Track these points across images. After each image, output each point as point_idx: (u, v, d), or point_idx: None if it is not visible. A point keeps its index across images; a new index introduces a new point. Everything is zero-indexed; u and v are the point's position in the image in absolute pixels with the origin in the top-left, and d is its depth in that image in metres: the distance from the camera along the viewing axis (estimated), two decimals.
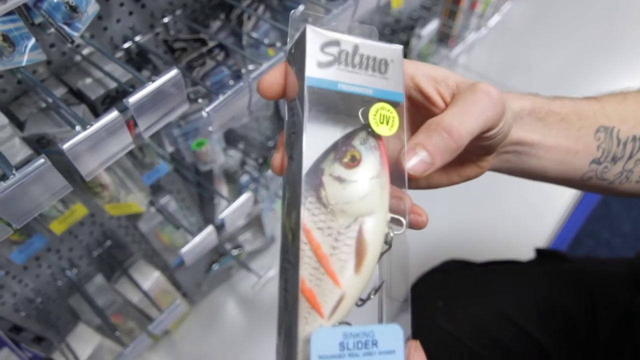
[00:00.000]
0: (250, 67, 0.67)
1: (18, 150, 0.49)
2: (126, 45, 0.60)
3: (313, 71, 0.30)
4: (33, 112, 0.53)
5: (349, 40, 0.31)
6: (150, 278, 0.80)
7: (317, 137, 0.29)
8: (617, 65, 1.53)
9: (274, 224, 1.12)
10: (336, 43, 0.31)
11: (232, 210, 0.67)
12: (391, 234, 0.30)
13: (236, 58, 0.68)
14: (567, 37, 1.62)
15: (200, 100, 0.60)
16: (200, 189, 0.80)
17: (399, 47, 0.33)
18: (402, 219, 0.31)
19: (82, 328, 0.77)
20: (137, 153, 0.66)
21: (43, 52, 0.46)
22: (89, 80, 0.56)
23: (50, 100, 0.51)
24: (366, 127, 0.30)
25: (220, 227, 0.70)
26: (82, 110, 0.53)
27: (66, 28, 0.47)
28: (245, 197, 0.68)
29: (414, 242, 0.33)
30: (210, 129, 0.62)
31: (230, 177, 0.94)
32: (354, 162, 0.30)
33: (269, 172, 0.83)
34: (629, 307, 0.65)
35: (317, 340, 0.26)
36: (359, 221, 0.29)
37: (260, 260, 1.12)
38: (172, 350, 1.03)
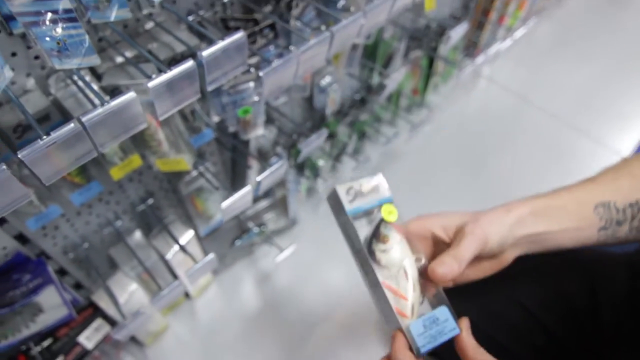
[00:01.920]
0: (294, 47, 0.75)
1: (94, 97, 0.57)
2: (190, 18, 0.68)
3: (347, 207, 0.55)
4: (110, 66, 0.61)
5: (356, 184, 0.57)
6: (186, 235, 0.87)
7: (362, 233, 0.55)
8: (637, 85, 1.58)
9: (298, 206, 1.19)
10: (351, 188, 0.57)
11: (267, 174, 0.74)
12: (419, 264, 0.55)
13: (283, 39, 0.76)
14: (591, 56, 1.67)
15: (251, 70, 0.68)
16: (236, 156, 0.87)
17: (380, 175, 0.60)
18: (422, 256, 0.55)
19: (120, 276, 0.85)
20: (189, 117, 0.74)
21: (129, 11, 0.54)
22: (157, 45, 0.64)
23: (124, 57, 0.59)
24: (383, 220, 0.53)
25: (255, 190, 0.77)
26: (151, 68, 0.61)
27: None
28: (278, 164, 0.75)
29: None
30: (256, 98, 0.69)
31: (262, 155, 1.01)
32: (386, 239, 0.53)
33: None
34: (630, 292, 0.70)
35: (413, 329, 0.50)
36: (401, 266, 0.53)
37: (282, 239, 1.18)
38: (193, 316, 1.10)
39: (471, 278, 0.58)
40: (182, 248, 0.83)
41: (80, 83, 0.54)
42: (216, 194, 0.97)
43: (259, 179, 0.74)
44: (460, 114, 1.50)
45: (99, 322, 0.94)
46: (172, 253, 0.86)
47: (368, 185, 0.57)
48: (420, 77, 1.35)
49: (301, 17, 0.77)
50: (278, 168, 0.76)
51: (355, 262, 0.56)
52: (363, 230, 0.55)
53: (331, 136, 1.16)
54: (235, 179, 0.96)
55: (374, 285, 0.52)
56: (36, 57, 0.58)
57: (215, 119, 0.80)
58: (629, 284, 0.70)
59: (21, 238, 0.74)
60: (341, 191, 0.55)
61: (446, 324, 0.50)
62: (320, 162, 1.17)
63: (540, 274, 0.80)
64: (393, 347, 0.49)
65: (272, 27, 0.72)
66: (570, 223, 0.57)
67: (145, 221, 0.91)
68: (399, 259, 0.53)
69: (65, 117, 0.60)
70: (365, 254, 0.52)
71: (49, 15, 0.43)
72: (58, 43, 0.45)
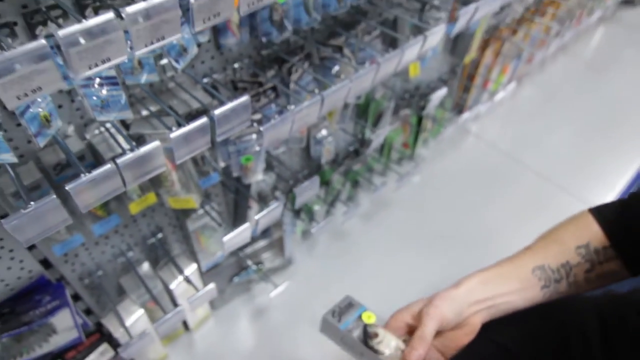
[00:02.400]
0: (292, 107, 0.87)
1: (123, 143, 0.69)
2: (205, 80, 0.82)
3: (339, 325, 0.68)
4: (136, 118, 0.74)
5: (336, 308, 0.71)
6: (190, 268, 0.97)
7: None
8: (614, 145, 1.70)
9: (293, 247, 1.28)
10: (334, 312, 0.70)
11: (265, 213, 0.84)
12: (406, 343, 0.66)
13: (283, 99, 0.89)
14: (570, 117, 1.81)
15: (254, 125, 0.80)
16: (238, 197, 0.98)
17: (348, 296, 0.74)
18: (406, 337, 0.67)
19: (128, 302, 0.94)
20: (199, 161, 0.85)
21: (157, 75, 0.67)
22: (176, 101, 0.77)
23: (149, 111, 0.72)
24: (366, 324, 0.68)
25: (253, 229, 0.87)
26: (171, 121, 0.73)
27: (174, 62, 0.68)
28: (275, 205, 0.86)
29: None
30: (257, 148, 0.81)
31: (262, 198, 1.12)
32: (375, 335, 0.65)
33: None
34: (602, 342, 0.75)
35: None
36: (398, 348, 0.65)
37: (278, 277, 1.27)
38: (190, 348, 1.17)
39: (453, 349, 0.68)
40: (186, 278, 0.92)
41: (113, 131, 0.66)
42: (219, 232, 1.07)
43: (257, 217, 0.84)
44: (448, 167, 1.62)
45: (104, 346, 1.01)
46: (176, 283, 0.95)
47: (343, 305, 0.72)
48: (411, 133, 1.48)
49: (299, 81, 0.91)
50: (274, 209, 0.87)
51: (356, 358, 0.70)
52: (355, 337, 0.69)
53: (326, 183, 1.28)
54: (236, 218, 1.07)
55: None
56: (77, 109, 0.71)
57: (221, 164, 0.91)
58: (600, 334, 0.75)
59: (45, 263, 0.83)
60: (329, 317, 0.70)
61: None
62: (316, 207, 1.27)
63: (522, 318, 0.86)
64: None
65: (274, 88, 0.85)
66: (514, 286, 0.69)
67: (154, 253, 1.01)
68: (394, 344, 0.66)
69: (97, 158, 0.72)
70: (369, 351, 0.66)
71: (97, 80, 0.56)
72: (102, 101, 0.57)
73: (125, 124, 0.74)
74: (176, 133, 0.57)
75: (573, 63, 2.08)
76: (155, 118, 0.72)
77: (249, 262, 1.22)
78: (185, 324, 1.18)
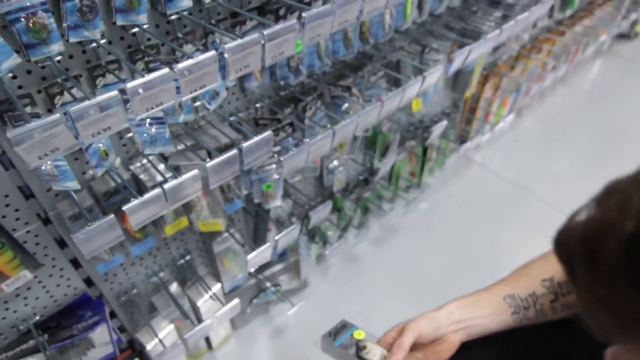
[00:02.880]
0: (307, 140, 0.99)
1: (164, 172, 0.80)
2: (232, 118, 0.93)
3: (336, 342, 0.80)
4: (173, 151, 0.85)
5: (332, 330, 0.83)
6: (215, 287, 1.06)
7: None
8: (615, 172, 1.77)
9: (308, 270, 1.37)
10: (331, 332, 0.82)
11: (284, 234, 0.94)
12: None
13: (299, 134, 1.00)
14: (570, 146, 1.89)
15: (274, 156, 0.91)
16: (259, 221, 1.08)
17: (343, 319, 0.84)
18: (388, 351, 0.77)
19: (159, 319, 1.03)
20: (225, 189, 0.96)
21: (193, 115, 0.79)
22: (207, 137, 0.89)
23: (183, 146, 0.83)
24: (358, 340, 0.78)
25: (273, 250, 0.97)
26: (203, 154, 0.85)
27: (207, 104, 0.80)
28: (293, 227, 0.96)
29: None
30: (277, 176, 0.92)
31: (280, 223, 1.22)
32: (364, 347, 0.76)
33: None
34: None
35: None
36: (382, 354, 0.76)
37: (294, 298, 1.35)
38: None
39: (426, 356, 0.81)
40: (213, 295, 1.02)
41: (151, 165, 0.78)
42: (241, 256, 1.17)
43: (277, 238, 0.94)
44: (454, 194, 1.71)
45: None
46: (203, 300, 1.04)
47: (339, 327, 0.86)
48: (417, 163, 1.59)
49: (313, 117, 1.02)
50: (292, 230, 0.96)
51: None
52: (349, 352, 0.82)
53: (338, 210, 1.38)
54: (256, 240, 1.16)
55: None
56: (124, 145, 0.82)
57: (244, 192, 1.02)
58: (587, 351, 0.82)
59: (87, 281, 0.94)
60: (327, 337, 0.84)
61: None
62: (329, 232, 1.37)
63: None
64: None
65: (291, 124, 0.97)
66: (488, 310, 0.81)
67: (182, 275, 1.11)
68: (379, 352, 0.78)
69: (139, 187, 0.83)
70: None
71: (148, 120, 0.68)
72: (151, 137, 0.69)
73: (163, 157, 0.85)
74: (211, 163, 0.68)
75: (572, 95, 2.19)
76: (189, 151, 0.83)
77: (267, 285, 1.31)
78: (208, 343, 1.26)
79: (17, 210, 0.75)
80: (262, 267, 1.31)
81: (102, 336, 0.99)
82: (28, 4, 0.56)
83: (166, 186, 0.65)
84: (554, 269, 0.83)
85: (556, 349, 0.88)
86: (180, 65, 0.57)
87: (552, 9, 1.71)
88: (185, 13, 0.72)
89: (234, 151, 0.71)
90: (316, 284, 1.41)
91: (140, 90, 0.55)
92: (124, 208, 0.62)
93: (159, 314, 1.04)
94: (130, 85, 0.53)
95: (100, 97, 0.52)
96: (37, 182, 0.74)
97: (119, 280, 0.99)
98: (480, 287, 0.85)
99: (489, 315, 0.82)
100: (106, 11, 0.66)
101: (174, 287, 1.08)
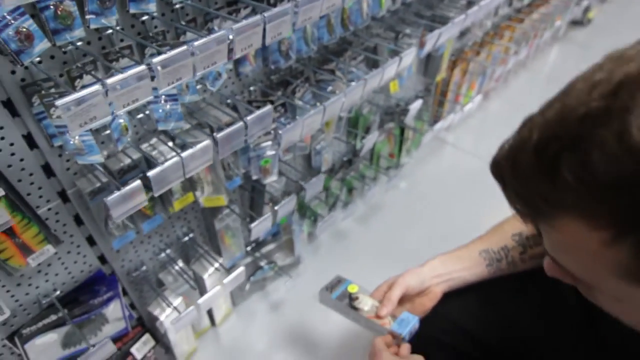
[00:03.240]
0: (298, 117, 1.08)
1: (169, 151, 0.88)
2: (228, 101, 1.02)
3: (332, 295, 0.95)
4: (184, 127, 0.93)
5: (328, 284, 0.98)
6: (219, 260, 1.14)
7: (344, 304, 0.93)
8: None
9: (301, 247, 1.46)
10: (329, 286, 0.97)
11: (283, 203, 1.03)
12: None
13: (290, 113, 1.09)
14: None
15: (271, 133, 0.99)
16: (256, 196, 1.16)
17: (338, 275, 1.00)
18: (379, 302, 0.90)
19: (168, 292, 1.10)
20: (225, 167, 1.04)
21: (197, 95, 0.87)
22: (208, 118, 0.97)
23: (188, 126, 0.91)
24: (350, 293, 0.92)
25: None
26: (207, 132, 0.93)
27: (209, 86, 0.88)
28: (290, 197, 1.05)
29: None
30: (273, 152, 1.01)
31: (274, 203, 1.30)
32: (356, 298, 0.90)
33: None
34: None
35: (394, 327, 0.84)
36: (373, 305, 0.89)
37: (290, 273, 1.44)
38: (217, 341, 1.32)
39: (421, 311, 0.91)
40: (220, 265, 1.09)
41: (162, 141, 0.86)
42: (239, 234, 1.24)
43: (276, 207, 1.03)
44: (430, 173, 1.83)
45: (147, 337, 1.17)
46: (208, 273, 1.12)
47: (335, 282, 0.98)
48: (395, 143, 1.70)
49: (302, 98, 1.12)
50: (289, 201, 1.05)
51: (348, 318, 0.93)
52: (343, 302, 0.94)
53: (326, 189, 1.47)
54: (255, 213, 1.25)
55: (364, 321, 0.89)
56: (134, 126, 0.90)
57: (242, 170, 1.10)
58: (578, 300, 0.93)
59: (101, 259, 1.00)
60: (324, 291, 0.96)
61: (409, 318, 0.85)
62: (319, 210, 1.46)
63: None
64: (374, 344, 0.82)
65: (283, 105, 1.06)
66: (465, 264, 0.93)
67: (185, 252, 1.18)
68: (370, 303, 0.89)
69: (149, 165, 0.91)
70: (353, 311, 0.91)
71: (163, 97, 0.76)
72: (165, 113, 0.77)
73: (170, 138, 0.93)
74: (221, 134, 0.77)
75: (533, 77, 2.35)
76: (195, 130, 0.91)
77: (263, 263, 1.39)
78: (211, 320, 1.33)
79: (40, 188, 0.81)
80: (258, 245, 1.39)
81: (115, 312, 1.06)
82: None
83: (184, 154, 0.73)
84: (523, 226, 0.95)
85: (528, 296, 0.99)
86: (197, 43, 0.65)
87: None
88: (188, 2, 0.80)
89: (240, 123, 0.79)
90: (309, 260, 1.50)
91: (161, 67, 0.63)
92: (149, 174, 0.70)
93: (167, 289, 1.11)
94: (155, 60, 0.61)
95: (132, 71, 0.60)
96: (58, 161, 0.81)
97: (129, 258, 1.06)
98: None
99: (467, 268, 0.93)
100: (120, 0, 0.73)
101: (180, 264, 1.15)
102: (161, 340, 1.19)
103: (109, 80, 0.58)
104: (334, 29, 1.09)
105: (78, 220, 0.91)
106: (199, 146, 0.75)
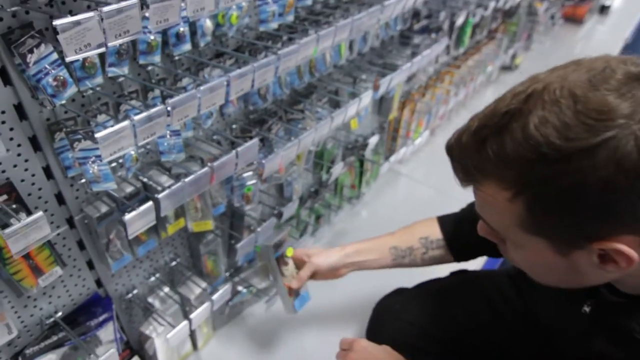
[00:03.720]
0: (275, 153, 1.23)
1: (167, 180, 1.01)
2: (215, 137, 1.16)
3: (275, 254, 1.17)
4: (182, 158, 1.06)
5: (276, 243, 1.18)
6: (203, 284, 1.24)
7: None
8: None
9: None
10: (276, 246, 1.17)
11: (264, 225, 1.17)
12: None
13: (267, 148, 1.25)
14: None
15: (254, 163, 1.14)
16: (234, 220, 1.29)
17: (284, 232, 1.22)
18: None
19: (158, 313, 1.19)
20: (211, 196, 1.17)
21: (192, 131, 1.01)
22: (198, 152, 1.10)
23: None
24: (285, 254, 1.17)
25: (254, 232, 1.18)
26: (198, 164, 1.06)
27: (202, 123, 1.03)
28: (270, 220, 1.19)
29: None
30: (254, 181, 1.15)
31: (252, 230, 1.43)
32: (287, 264, 1.17)
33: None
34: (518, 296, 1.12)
35: (296, 303, 1.20)
36: (290, 275, 1.14)
37: (266, 297, 1.54)
38: None
39: (322, 279, 1.17)
40: (204, 290, 1.20)
41: (160, 173, 0.99)
42: (220, 258, 1.36)
43: (259, 229, 1.16)
44: (389, 202, 2.02)
45: (135, 359, 1.24)
46: (195, 295, 1.22)
47: (280, 243, 1.13)
48: (356, 175, 1.88)
49: (277, 134, 1.28)
50: (269, 222, 1.19)
51: (271, 278, 1.10)
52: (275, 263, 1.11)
53: (297, 217, 1.61)
54: (235, 240, 1.36)
55: (279, 286, 1.07)
56: (136, 160, 1.02)
57: (225, 200, 1.23)
58: (516, 293, 1.12)
59: (97, 282, 1.09)
60: (270, 247, 1.09)
61: (305, 297, 1.18)
62: (291, 235, 1.60)
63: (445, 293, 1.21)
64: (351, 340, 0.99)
65: (262, 140, 1.21)
66: (376, 256, 1.15)
67: (171, 277, 1.27)
68: (291, 272, 1.06)
69: (147, 190, 1.03)
70: (278, 273, 1.06)
71: (168, 132, 0.89)
72: (169, 146, 0.90)
73: (166, 169, 1.05)
74: (218, 162, 0.91)
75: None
76: (187, 162, 1.04)
77: (241, 287, 1.50)
78: (194, 343, 1.41)
79: (52, 214, 0.91)
80: (236, 271, 1.50)
81: (108, 334, 1.13)
82: None
83: (187, 180, 0.87)
84: (430, 230, 1.16)
85: (476, 295, 1.17)
86: (202, 87, 0.80)
87: (448, 47, 2.15)
88: (186, 54, 0.96)
89: (231, 154, 0.94)
90: None
91: (173, 107, 0.78)
92: (159, 196, 0.83)
93: (157, 310, 1.20)
94: (171, 101, 0.76)
95: (154, 109, 0.74)
96: (69, 190, 0.92)
97: (122, 282, 1.15)
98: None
99: (376, 260, 1.16)
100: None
101: (166, 289, 1.25)
102: None
103: (136, 117, 0.72)
104: (303, 75, 1.28)
105: (81, 246, 1.00)
106: (198, 173, 0.88)
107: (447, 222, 1.16)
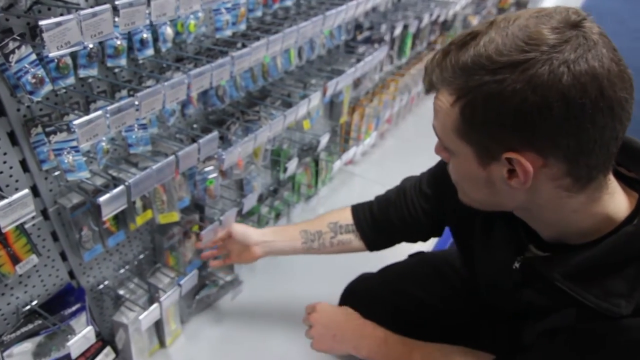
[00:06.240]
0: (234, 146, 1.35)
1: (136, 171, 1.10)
2: (177, 135, 1.27)
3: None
4: (149, 150, 1.15)
5: None
6: (172, 274, 1.33)
7: None
8: None
9: (240, 266, 1.67)
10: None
11: (226, 214, 1.27)
12: None
13: (226, 145, 1.36)
14: (420, 156, 2.49)
15: (215, 156, 1.25)
16: (199, 212, 1.39)
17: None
18: None
19: (129, 304, 1.26)
20: (177, 189, 1.27)
21: (157, 128, 1.12)
22: (162, 148, 1.21)
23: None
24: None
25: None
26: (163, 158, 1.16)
27: (166, 121, 1.14)
28: (232, 209, 1.30)
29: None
30: (215, 174, 1.26)
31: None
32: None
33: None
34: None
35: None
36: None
37: (231, 290, 1.64)
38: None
39: (239, 259, 1.28)
40: (172, 278, 1.29)
41: (126, 168, 1.08)
42: (181, 256, 1.44)
43: (222, 217, 1.27)
44: (344, 200, 2.15)
45: (107, 349, 1.30)
46: (164, 283, 1.30)
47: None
48: (312, 175, 2.02)
49: (235, 133, 1.40)
50: (231, 212, 1.30)
51: None
52: None
53: (258, 214, 1.73)
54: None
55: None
56: (107, 152, 1.11)
57: (189, 194, 1.33)
58: (462, 262, 1.24)
59: (70, 274, 1.16)
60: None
61: None
62: None
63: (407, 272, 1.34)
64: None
65: (221, 138, 1.33)
66: (287, 237, 1.24)
67: (140, 269, 1.35)
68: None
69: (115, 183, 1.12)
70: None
71: (136, 125, 1.00)
72: (137, 139, 1.01)
73: (133, 164, 1.15)
74: (182, 151, 1.02)
75: (418, 119, 2.85)
76: (154, 156, 1.14)
77: (208, 282, 1.59)
78: (161, 340, 1.47)
79: None
80: (202, 265, 1.59)
81: (80, 325, 1.20)
82: None
83: (155, 167, 0.97)
84: (341, 217, 1.26)
85: (436, 276, 1.30)
86: (167, 83, 0.92)
87: (392, 57, 2.34)
88: (149, 58, 1.07)
89: (194, 145, 1.05)
90: (247, 278, 1.71)
91: (142, 100, 0.89)
92: (129, 182, 0.93)
93: (128, 300, 1.27)
94: (139, 94, 0.87)
95: (125, 101, 0.85)
96: (43, 183, 1.00)
97: (93, 274, 1.22)
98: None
99: (286, 240, 1.25)
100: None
101: (136, 280, 1.33)
102: (120, 354, 1.33)
103: (109, 107, 0.82)
104: (257, 80, 1.41)
105: (55, 237, 1.08)
106: (165, 161, 0.99)
107: (359, 209, 1.23)
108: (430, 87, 0.74)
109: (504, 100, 0.63)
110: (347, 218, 1.23)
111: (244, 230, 1.24)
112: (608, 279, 0.71)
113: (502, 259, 0.88)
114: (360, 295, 1.30)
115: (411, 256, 1.43)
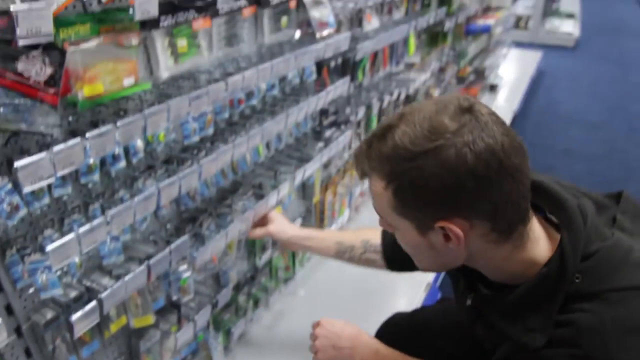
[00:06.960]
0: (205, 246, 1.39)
1: (109, 280, 1.13)
2: (151, 237, 1.31)
3: None
4: (121, 261, 1.18)
5: None
6: None
7: None
8: None
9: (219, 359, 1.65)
10: None
11: (201, 312, 1.29)
12: None
13: (199, 241, 1.41)
14: None
15: (188, 256, 1.28)
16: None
17: None
18: None
19: None
20: (150, 292, 1.29)
21: (129, 234, 1.16)
22: (135, 252, 1.24)
23: None
24: None
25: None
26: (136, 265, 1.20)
27: (137, 227, 1.19)
28: (206, 307, 1.31)
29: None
30: (188, 274, 1.30)
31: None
32: None
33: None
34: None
35: None
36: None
37: None
38: None
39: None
40: None
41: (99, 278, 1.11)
42: (158, 358, 1.43)
43: (196, 317, 1.28)
44: (323, 280, 2.19)
45: None
46: None
47: None
48: (289, 258, 2.05)
49: (208, 229, 1.45)
50: (205, 310, 1.31)
51: None
52: None
53: (235, 303, 1.73)
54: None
55: None
56: (80, 266, 1.14)
57: (164, 293, 1.35)
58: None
59: None
60: None
61: None
62: (231, 323, 1.70)
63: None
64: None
65: (194, 235, 1.37)
66: (322, 246, 1.41)
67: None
68: None
69: (90, 292, 1.13)
70: None
71: (109, 237, 1.04)
72: (109, 250, 1.04)
73: (107, 272, 1.18)
74: (154, 259, 1.06)
75: None
76: (126, 263, 1.18)
77: None
78: None
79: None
80: None
81: None
82: None
83: (126, 278, 1.00)
84: (371, 236, 1.40)
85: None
86: (137, 198, 0.98)
87: (360, 135, 2.48)
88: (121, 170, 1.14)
89: (166, 250, 1.09)
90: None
91: (113, 217, 0.94)
92: (101, 296, 0.95)
93: None
94: (110, 212, 0.92)
95: (97, 221, 0.90)
96: (18, 301, 1.02)
97: None
98: None
99: (321, 249, 1.44)
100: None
101: None
102: None
103: (81, 230, 0.87)
104: (227, 175, 1.48)
105: (28, 354, 1.07)
106: (136, 271, 1.02)
107: (388, 234, 1.33)
108: (362, 175, 0.87)
109: (426, 183, 0.76)
110: (377, 237, 1.37)
111: (283, 234, 1.45)
112: (529, 315, 0.82)
113: (461, 296, 1.01)
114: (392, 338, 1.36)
115: (438, 302, 1.58)
